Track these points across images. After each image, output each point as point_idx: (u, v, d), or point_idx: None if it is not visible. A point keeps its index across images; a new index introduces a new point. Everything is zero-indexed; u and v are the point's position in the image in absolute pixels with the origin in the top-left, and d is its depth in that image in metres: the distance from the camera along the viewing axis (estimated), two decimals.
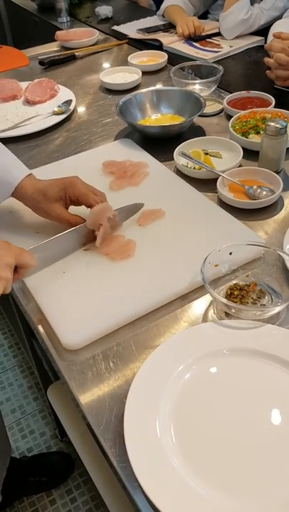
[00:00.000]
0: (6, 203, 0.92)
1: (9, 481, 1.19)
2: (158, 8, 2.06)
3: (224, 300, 0.71)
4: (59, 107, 1.36)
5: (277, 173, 1.01)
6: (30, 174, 0.90)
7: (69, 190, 0.85)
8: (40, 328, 0.75)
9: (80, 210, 0.89)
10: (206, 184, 1.01)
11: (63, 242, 0.83)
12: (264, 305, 0.75)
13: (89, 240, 0.87)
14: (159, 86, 1.47)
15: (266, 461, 0.56)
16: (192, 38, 1.75)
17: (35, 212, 0.90)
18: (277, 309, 0.71)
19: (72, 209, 0.90)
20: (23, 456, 1.53)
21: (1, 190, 0.88)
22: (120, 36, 1.90)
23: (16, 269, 0.70)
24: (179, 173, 1.06)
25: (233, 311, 0.73)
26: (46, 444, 1.60)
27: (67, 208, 0.88)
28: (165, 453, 0.56)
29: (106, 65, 1.71)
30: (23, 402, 1.72)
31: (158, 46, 1.74)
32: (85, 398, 0.65)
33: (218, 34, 1.76)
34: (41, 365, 1.31)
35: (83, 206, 0.88)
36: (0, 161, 0.88)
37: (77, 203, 0.88)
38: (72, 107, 1.37)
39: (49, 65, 1.69)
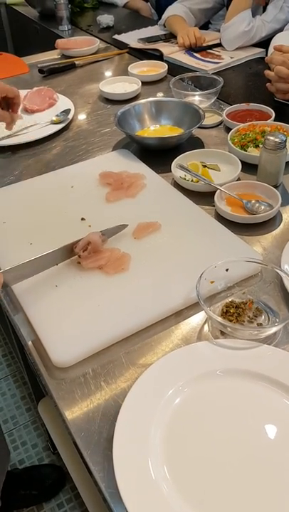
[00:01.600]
0: None
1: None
2: (159, 17, 2.06)
3: (219, 319, 0.69)
4: (57, 116, 1.35)
5: (276, 187, 1.00)
6: None
7: None
8: (30, 343, 0.73)
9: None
10: (204, 197, 1.00)
11: (44, 260, 0.80)
12: (260, 324, 0.73)
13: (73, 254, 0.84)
14: (158, 97, 1.46)
15: (262, 485, 0.54)
16: (193, 49, 1.74)
17: None
18: (273, 329, 0.69)
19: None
20: (14, 469, 1.50)
21: None
22: (121, 45, 1.90)
23: None
24: (177, 185, 1.05)
25: (228, 329, 0.71)
26: (38, 456, 1.57)
27: None
28: (155, 480, 0.54)
29: (106, 74, 1.70)
30: (15, 412, 1.69)
31: (158, 56, 1.74)
32: (74, 419, 0.63)
33: (219, 45, 1.76)
34: (34, 377, 1.29)
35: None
36: None
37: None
38: (70, 117, 1.36)
39: (49, 73, 1.68)
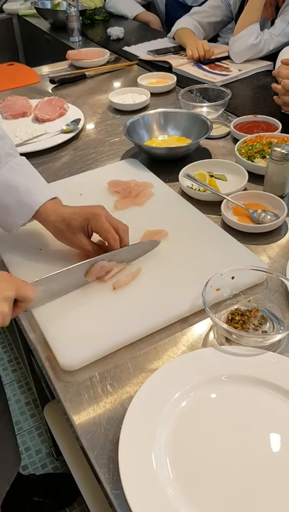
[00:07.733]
0: None
1: (13, 498, 1.16)
2: (169, 30, 2.09)
3: (225, 325, 0.70)
4: (67, 125, 1.38)
5: (282, 197, 1.01)
6: (55, 198, 0.88)
7: (91, 223, 0.83)
8: (38, 347, 0.75)
9: None
10: (211, 206, 1.01)
11: (69, 276, 0.80)
12: (265, 331, 0.74)
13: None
14: (166, 108, 1.48)
15: (265, 492, 0.55)
16: (202, 61, 1.77)
17: (56, 239, 0.88)
18: (278, 337, 0.70)
19: None
20: (30, 474, 1.50)
21: (22, 213, 0.86)
22: (131, 57, 1.93)
23: (16, 303, 0.68)
24: (184, 194, 1.06)
25: (234, 336, 0.72)
26: (41, 461, 1.57)
27: (90, 236, 0.86)
28: (160, 482, 0.55)
29: (116, 85, 1.73)
30: (20, 418, 1.70)
31: (167, 68, 1.77)
32: (80, 421, 0.64)
33: (228, 58, 1.79)
34: (39, 382, 1.30)
35: None
36: (24, 181, 0.87)
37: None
38: (80, 126, 1.38)
39: (59, 83, 1.71)
